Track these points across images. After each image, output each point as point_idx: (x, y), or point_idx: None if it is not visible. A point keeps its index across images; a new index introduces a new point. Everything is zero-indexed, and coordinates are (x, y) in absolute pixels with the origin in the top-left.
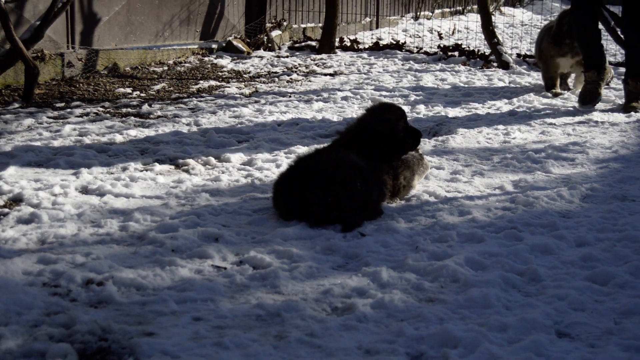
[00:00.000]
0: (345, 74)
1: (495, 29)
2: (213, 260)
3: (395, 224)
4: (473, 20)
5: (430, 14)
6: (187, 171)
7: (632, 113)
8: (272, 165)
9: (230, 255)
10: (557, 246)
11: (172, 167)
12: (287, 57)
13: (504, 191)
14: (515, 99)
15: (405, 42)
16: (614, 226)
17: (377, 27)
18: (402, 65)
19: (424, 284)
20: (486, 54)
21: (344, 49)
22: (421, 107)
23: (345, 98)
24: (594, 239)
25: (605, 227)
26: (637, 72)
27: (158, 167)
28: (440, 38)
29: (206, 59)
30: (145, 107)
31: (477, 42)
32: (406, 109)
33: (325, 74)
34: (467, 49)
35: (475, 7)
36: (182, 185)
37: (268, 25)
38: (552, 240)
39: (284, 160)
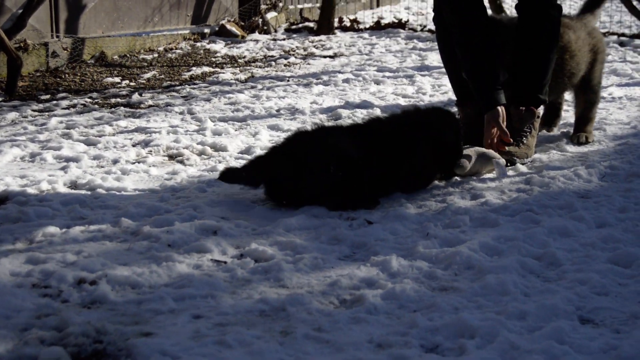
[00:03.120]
0: (345, 56)
1: (503, 4)
2: (212, 255)
3: (404, 210)
4: None
5: None
6: (181, 162)
7: (511, 166)
8: None
9: (230, 248)
10: (576, 228)
11: (166, 158)
12: (283, 39)
13: (518, 172)
14: None
15: (408, 21)
16: (635, 205)
17: (377, 6)
18: (406, 44)
19: (436, 272)
20: None
21: (344, 29)
22: (427, 88)
23: (346, 80)
24: (614, 220)
25: (626, 206)
26: (526, 97)
27: (151, 158)
28: None
29: (198, 44)
30: (136, 97)
31: None
32: (411, 89)
33: (325, 56)
34: None
35: None
36: (176, 177)
37: (263, 7)
38: (571, 222)
39: None
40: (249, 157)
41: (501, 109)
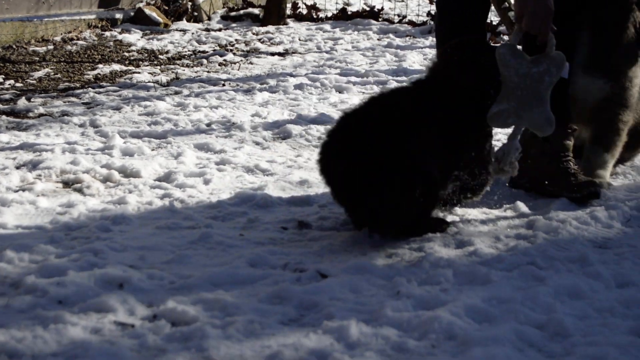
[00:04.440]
0: (300, 53)
1: None
2: (116, 315)
3: (368, 260)
4: None
5: None
6: (80, 190)
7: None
8: (198, 181)
9: (140, 307)
10: (591, 288)
11: (60, 185)
12: (219, 30)
13: (518, 212)
14: None
15: (382, 9)
16: None
17: None
18: (379, 40)
19: (408, 343)
20: (494, 23)
21: (299, 18)
22: None
23: (299, 86)
24: None
25: None
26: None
27: (40, 185)
28: (431, 2)
29: (107, 34)
30: (22, 102)
31: None
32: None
33: (273, 54)
34: None
35: None
36: (72, 211)
37: None
38: (584, 280)
39: (215, 175)
40: (168, 185)
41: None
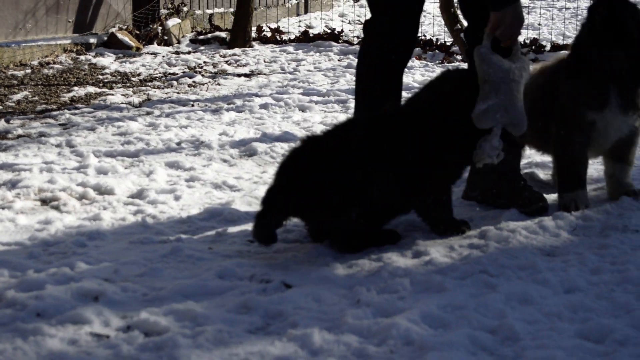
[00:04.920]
0: (264, 74)
1: (459, 12)
2: (91, 327)
3: (330, 270)
4: (430, 1)
5: None
6: (57, 208)
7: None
8: (169, 198)
9: (115, 318)
10: (539, 294)
11: (38, 203)
12: (188, 53)
13: (471, 223)
14: None
15: (342, 31)
16: (611, 266)
17: (306, 12)
18: (339, 61)
19: (368, 349)
20: (447, 44)
21: (263, 41)
22: None
23: (264, 106)
24: (586, 283)
25: (600, 267)
26: None
27: (19, 203)
28: None
29: (82, 57)
30: (1, 124)
31: (436, 28)
32: (344, 117)
33: (239, 75)
34: (424, 38)
35: None
36: (50, 227)
37: (163, 11)
38: (533, 287)
39: (185, 191)
40: (141, 202)
41: (521, 13)
